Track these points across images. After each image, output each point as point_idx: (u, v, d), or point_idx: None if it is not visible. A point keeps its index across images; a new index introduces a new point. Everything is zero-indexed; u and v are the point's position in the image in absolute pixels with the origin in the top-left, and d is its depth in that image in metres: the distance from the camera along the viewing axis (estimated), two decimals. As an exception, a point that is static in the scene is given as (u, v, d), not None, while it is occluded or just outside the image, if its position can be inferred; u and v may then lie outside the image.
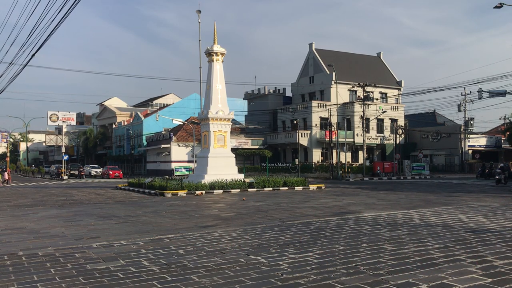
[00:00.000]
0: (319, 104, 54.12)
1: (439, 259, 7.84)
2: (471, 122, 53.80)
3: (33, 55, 15.74)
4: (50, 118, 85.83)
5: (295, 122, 55.04)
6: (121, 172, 51.61)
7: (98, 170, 55.33)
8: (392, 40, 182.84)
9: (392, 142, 51.95)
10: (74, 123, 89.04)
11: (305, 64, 60.91)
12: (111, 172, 50.88)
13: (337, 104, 51.57)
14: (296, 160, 48.23)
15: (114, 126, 74.49)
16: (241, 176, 28.72)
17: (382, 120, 54.21)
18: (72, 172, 51.30)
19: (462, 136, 53.88)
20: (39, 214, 15.67)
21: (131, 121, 68.82)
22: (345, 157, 47.26)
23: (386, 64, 63.58)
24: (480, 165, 42.80)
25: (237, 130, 57.51)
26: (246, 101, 68.40)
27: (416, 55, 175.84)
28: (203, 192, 24.20)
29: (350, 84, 54.99)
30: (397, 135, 49.47)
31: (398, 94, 59.17)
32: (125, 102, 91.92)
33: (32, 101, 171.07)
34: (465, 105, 52.51)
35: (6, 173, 41.07)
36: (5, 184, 38.65)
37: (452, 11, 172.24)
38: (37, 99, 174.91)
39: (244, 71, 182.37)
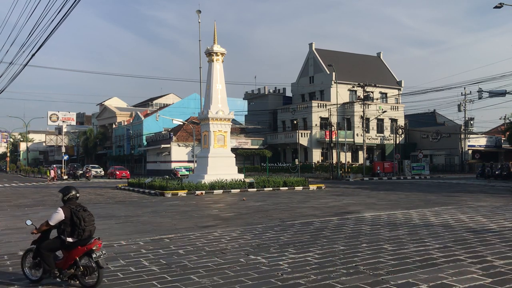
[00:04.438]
0: (319, 104, 54.11)
1: (439, 259, 7.84)
2: (471, 122, 53.76)
3: (33, 55, 15.70)
4: (50, 118, 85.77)
5: (295, 122, 55.00)
6: (128, 172, 49.70)
7: (99, 170, 55.17)
8: (392, 40, 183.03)
9: (392, 142, 51.92)
10: (74, 123, 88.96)
11: (305, 64, 60.90)
12: (118, 173, 49.00)
13: (337, 104, 51.54)
14: (296, 160, 48.20)
15: (114, 126, 74.43)
16: (241, 176, 28.71)
17: (382, 120, 54.18)
18: (72, 172, 50.17)
19: (462, 136, 53.84)
20: (39, 214, 15.64)
21: (131, 121, 68.78)
22: (345, 157, 47.27)
23: (386, 64, 63.56)
24: (480, 165, 42.80)
25: (237, 130, 57.48)
26: (246, 101, 68.37)
27: (416, 55, 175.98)
28: (203, 192, 24.19)
29: (350, 84, 54.95)
30: (397, 135, 49.45)
31: (398, 94, 59.13)
32: (125, 102, 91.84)
33: (32, 101, 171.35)
34: (465, 105, 52.48)
35: (53, 171, 42.62)
36: (53, 181, 39.24)
37: (452, 11, 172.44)
38: (37, 99, 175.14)
39: (244, 71, 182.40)
